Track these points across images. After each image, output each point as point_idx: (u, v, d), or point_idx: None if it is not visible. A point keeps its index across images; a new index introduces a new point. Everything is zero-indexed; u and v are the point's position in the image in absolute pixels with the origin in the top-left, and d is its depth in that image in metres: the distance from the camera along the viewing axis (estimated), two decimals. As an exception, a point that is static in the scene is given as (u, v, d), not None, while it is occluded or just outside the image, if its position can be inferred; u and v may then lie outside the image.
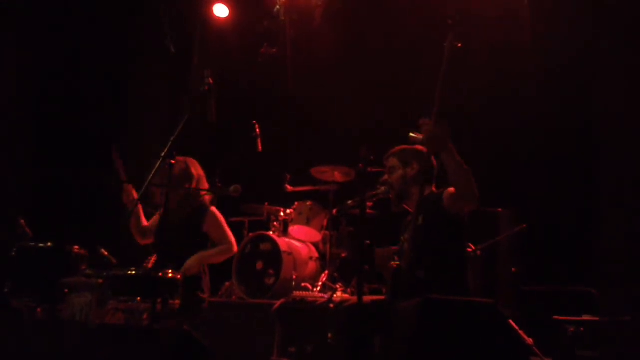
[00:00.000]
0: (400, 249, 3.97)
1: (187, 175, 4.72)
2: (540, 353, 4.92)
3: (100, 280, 4.23)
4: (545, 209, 6.17)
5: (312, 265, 6.65)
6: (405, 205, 4.08)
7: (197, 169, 4.81)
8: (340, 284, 6.15)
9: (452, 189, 3.68)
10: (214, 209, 4.77)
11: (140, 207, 4.88)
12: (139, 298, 4.01)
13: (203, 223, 4.69)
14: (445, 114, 3.57)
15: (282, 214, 6.77)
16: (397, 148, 4.12)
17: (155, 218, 4.93)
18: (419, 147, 3.99)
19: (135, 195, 4.71)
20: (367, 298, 3.86)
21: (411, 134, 3.95)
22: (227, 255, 4.78)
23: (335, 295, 5.51)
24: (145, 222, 4.95)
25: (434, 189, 4.00)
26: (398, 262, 3.80)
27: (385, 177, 4.12)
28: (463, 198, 3.59)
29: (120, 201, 4.84)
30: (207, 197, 4.84)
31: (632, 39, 5.56)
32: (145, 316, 4.00)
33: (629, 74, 5.58)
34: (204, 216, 4.70)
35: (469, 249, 4.98)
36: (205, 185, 4.85)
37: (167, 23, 7.04)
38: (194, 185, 4.74)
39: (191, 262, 4.55)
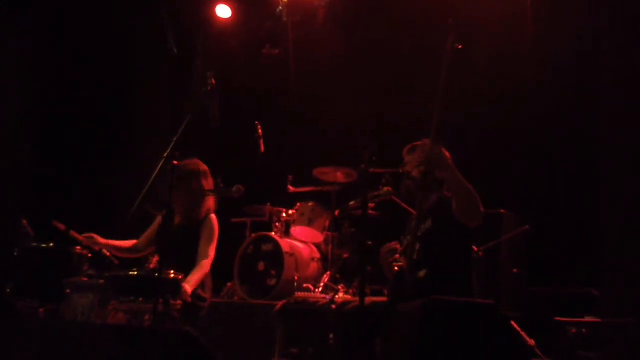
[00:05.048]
0: (405, 250, 3.96)
1: (202, 171, 4.69)
2: (541, 354, 4.92)
3: (102, 281, 4.24)
4: (547, 211, 6.17)
5: (314, 266, 6.64)
6: (405, 205, 4.07)
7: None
8: (342, 285, 6.16)
9: None
10: (213, 216, 4.67)
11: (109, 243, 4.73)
12: (140, 298, 4.01)
13: (201, 227, 4.61)
14: (441, 131, 3.57)
15: (284, 214, 6.76)
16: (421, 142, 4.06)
17: (158, 220, 4.84)
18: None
19: (98, 238, 4.61)
20: (369, 299, 3.84)
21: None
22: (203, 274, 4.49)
23: (337, 296, 5.50)
24: (126, 244, 4.78)
25: (445, 192, 3.97)
26: (400, 264, 3.80)
27: (409, 168, 4.02)
28: (466, 216, 3.60)
29: (122, 204, 4.81)
30: (213, 201, 4.73)
31: (633, 40, 5.55)
32: (147, 317, 4.00)
33: (629, 75, 5.58)
34: (204, 221, 4.62)
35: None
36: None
37: (170, 24, 7.04)
38: (209, 180, 4.70)
39: (188, 287, 4.22)
